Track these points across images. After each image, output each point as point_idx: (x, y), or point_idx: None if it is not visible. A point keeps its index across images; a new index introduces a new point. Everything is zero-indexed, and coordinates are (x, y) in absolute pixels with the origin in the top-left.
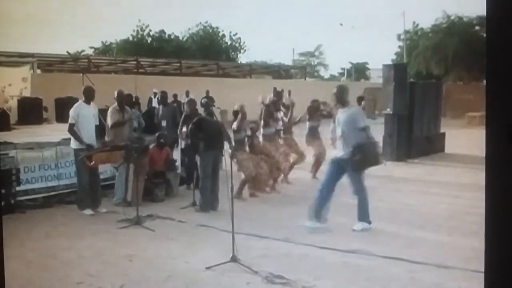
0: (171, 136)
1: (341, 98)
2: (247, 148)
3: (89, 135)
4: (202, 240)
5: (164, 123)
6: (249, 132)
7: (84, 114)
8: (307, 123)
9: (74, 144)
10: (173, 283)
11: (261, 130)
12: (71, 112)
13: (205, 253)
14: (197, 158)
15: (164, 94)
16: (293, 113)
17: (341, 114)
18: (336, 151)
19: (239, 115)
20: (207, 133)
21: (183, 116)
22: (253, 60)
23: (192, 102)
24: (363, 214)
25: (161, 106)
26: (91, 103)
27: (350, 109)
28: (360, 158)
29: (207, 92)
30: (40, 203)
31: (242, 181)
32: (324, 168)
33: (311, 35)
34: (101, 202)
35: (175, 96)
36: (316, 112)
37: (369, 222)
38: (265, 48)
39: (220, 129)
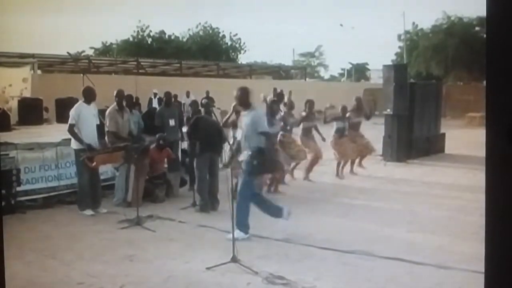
0: (174, 137)
1: (243, 100)
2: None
3: (90, 136)
4: (203, 240)
5: (172, 122)
6: None
7: (85, 114)
8: (301, 123)
9: (75, 144)
10: (173, 283)
11: None
12: (72, 112)
13: (206, 253)
14: (194, 159)
15: (168, 95)
16: (292, 114)
17: (244, 117)
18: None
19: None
20: (205, 133)
21: (188, 118)
22: (253, 60)
23: (195, 104)
24: (239, 221)
25: (163, 106)
26: (92, 103)
27: (252, 112)
28: (257, 163)
29: (207, 92)
30: (41, 203)
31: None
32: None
33: (311, 35)
34: (101, 203)
35: (175, 96)
36: (311, 112)
37: (246, 232)
38: (265, 48)
39: (219, 129)
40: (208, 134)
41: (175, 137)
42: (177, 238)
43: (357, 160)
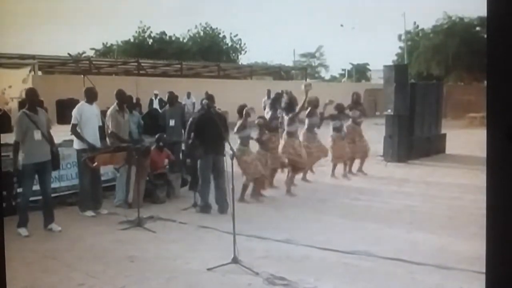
0: (175, 137)
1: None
2: (250, 148)
3: (92, 136)
4: (203, 241)
5: (172, 123)
6: (255, 133)
7: (87, 115)
8: (306, 119)
9: (77, 144)
10: (174, 284)
11: (286, 128)
12: (74, 112)
13: (206, 254)
14: (198, 161)
15: (171, 94)
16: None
17: None
18: None
19: (243, 116)
20: (207, 132)
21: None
22: (253, 61)
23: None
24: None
25: (167, 106)
26: (94, 103)
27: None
28: None
29: (206, 93)
30: (41, 204)
31: (244, 185)
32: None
33: (312, 36)
34: (102, 204)
35: (175, 97)
36: (315, 109)
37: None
38: (266, 49)
39: (221, 128)
40: (210, 132)
41: (177, 137)
42: (178, 239)
43: (357, 165)
